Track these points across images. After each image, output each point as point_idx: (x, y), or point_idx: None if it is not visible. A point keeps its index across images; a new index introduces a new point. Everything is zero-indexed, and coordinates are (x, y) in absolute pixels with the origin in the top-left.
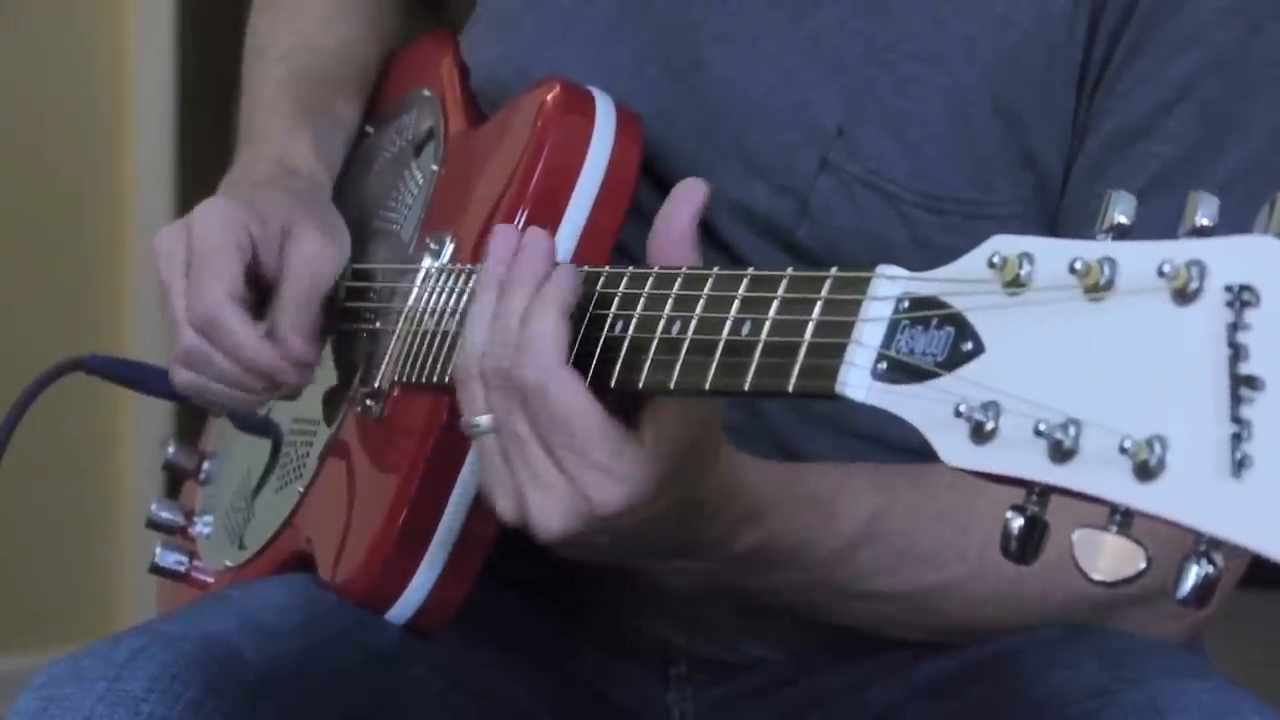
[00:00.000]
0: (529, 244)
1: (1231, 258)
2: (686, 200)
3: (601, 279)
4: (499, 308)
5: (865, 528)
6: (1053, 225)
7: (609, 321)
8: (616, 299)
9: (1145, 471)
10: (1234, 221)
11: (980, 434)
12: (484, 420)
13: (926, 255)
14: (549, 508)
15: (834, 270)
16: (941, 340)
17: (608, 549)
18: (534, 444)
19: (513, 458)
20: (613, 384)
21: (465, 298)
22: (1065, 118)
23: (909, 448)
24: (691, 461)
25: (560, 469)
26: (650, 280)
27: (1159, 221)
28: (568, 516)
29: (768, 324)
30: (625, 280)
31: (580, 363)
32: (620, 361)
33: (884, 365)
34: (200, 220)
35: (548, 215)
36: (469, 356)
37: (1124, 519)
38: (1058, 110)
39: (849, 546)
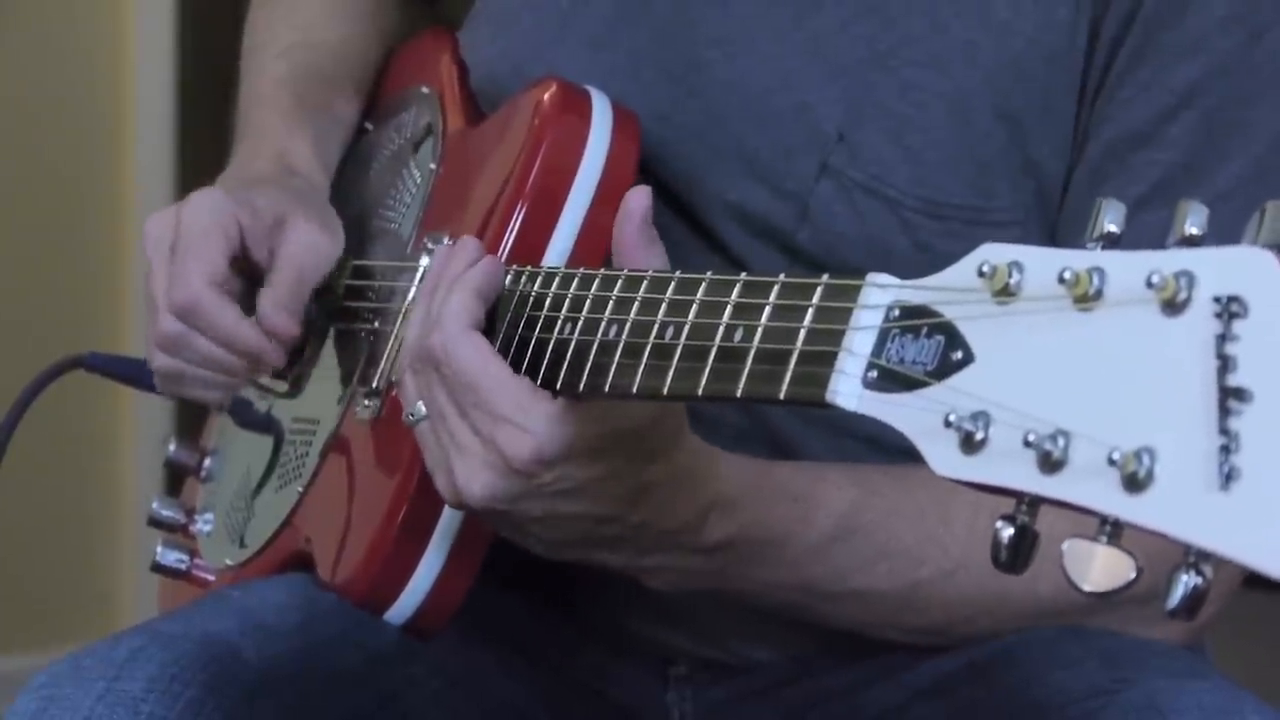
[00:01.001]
0: (458, 245)
1: (1220, 269)
2: (629, 211)
3: (596, 282)
4: (429, 305)
5: (842, 521)
6: (1053, 232)
7: (602, 326)
8: (610, 303)
9: (1134, 483)
10: (1236, 228)
11: (970, 444)
12: (419, 407)
13: (927, 261)
14: (471, 470)
15: (825, 277)
16: (931, 349)
17: (548, 525)
18: (452, 411)
19: (440, 433)
20: (607, 389)
21: None
22: (1066, 124)
23: (907, 450)
24: (630, 443)
25: (475, 431)
26: (644, 284)
27: (1161, 228)
28: (485, 472)
29: (760, 330)
30: (620, 284)
31: (574, 366)
32: (615, 365)
33: (874, 374)
34: (189, 207)
35: (545, 214)
36: (404, 354)
37: (1114, 529)
38: (1059, 117)
39: (826, 540)
